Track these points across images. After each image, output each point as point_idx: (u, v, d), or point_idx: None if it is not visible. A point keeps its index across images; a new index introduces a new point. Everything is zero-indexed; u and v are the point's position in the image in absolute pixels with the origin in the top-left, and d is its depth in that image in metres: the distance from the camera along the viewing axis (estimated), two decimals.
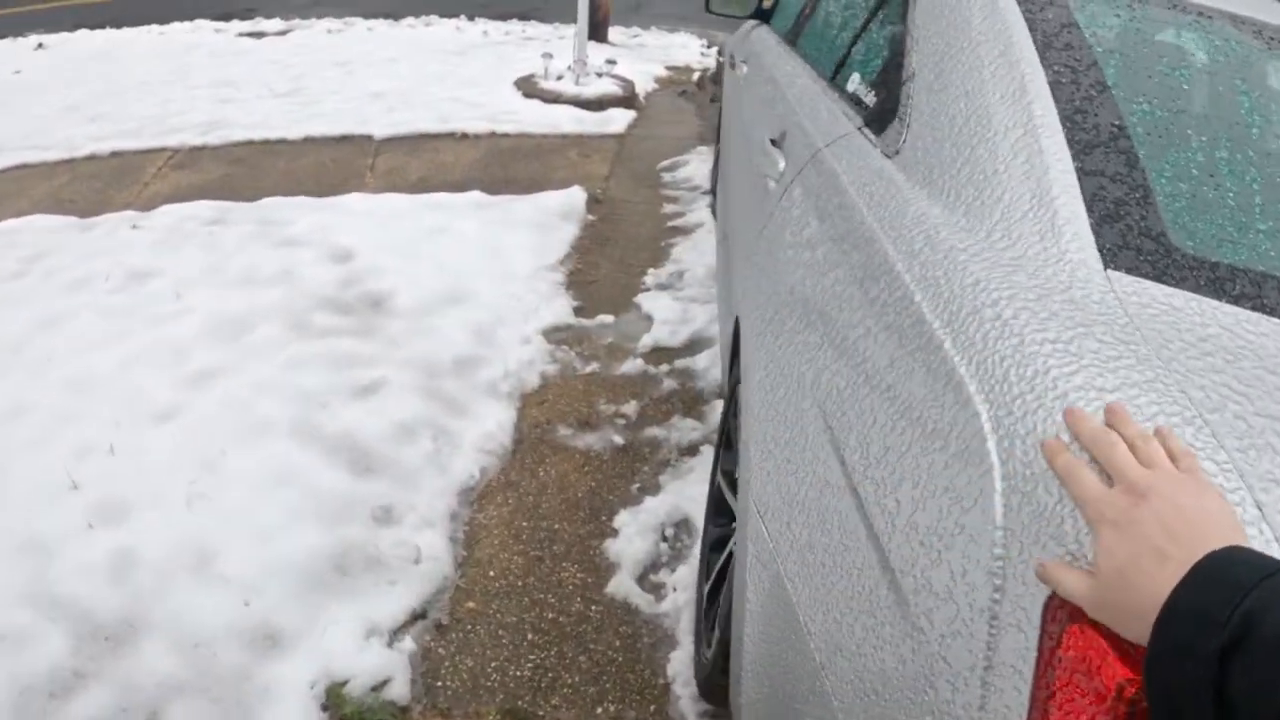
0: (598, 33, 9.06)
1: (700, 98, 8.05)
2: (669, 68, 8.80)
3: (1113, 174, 1.38)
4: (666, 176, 5.85)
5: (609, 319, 3.95)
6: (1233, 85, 1.69)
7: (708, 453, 3.16)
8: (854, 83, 2.09)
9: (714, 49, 10.18)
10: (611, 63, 7.64)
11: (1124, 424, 0.85)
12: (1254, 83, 1.72)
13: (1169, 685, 0.65)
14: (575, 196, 4.95)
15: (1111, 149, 1.42)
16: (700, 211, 5.23)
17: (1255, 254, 1.26)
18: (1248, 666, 0.60)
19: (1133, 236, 1.26)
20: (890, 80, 1.86)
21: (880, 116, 1.80)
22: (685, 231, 4.97)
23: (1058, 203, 1.31)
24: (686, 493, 2.97)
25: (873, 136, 1.77)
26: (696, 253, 4.60)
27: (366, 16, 10.47)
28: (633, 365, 3.64)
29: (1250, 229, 1.32)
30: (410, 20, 10.37)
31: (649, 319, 3.96)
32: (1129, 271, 1.20)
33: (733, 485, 2.23)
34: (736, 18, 4.09)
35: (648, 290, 4.23)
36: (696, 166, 6.01)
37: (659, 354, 3.74)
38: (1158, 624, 0.67)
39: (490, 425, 3.18)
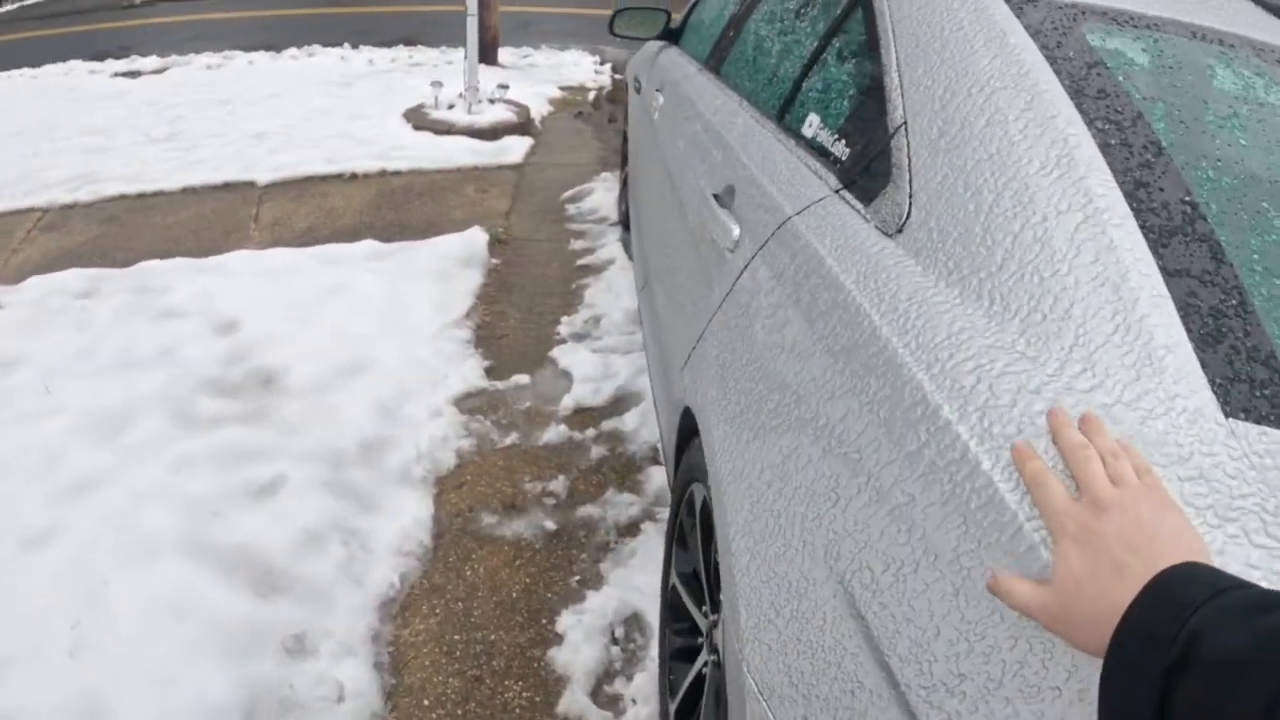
0: (487, 55, 8.60)
1: (598, 118, 7.66)
2: (563, 88, 8.38)
3: (1200, 273, 1.07)
4: (571, 208, 5.44)
5: (524, 379, 3.53)
6: None
7: (650, 531, 2.83)
8: (812, 127, 1.71)
9: (607, 65, 9.82)
10: (504, 87, 7.19)
11: (1098, 435, 0.86)
12: None
13: (1119, 702, 0.64)
14: (476, 239, 4.51)
15: (1191, 237, 1.11)
16: (610, 246, 4.83)
17: None
18: (1188, 688, 0.59)
19: (1243, 363, 0.98)
20: (869, 129, 1.48)
21: (864, 177, 1.42)
22: (596, 270, 4.56)
23: (1149, 321, 1.01)
24: (633, 583, 2.62)
25: (858, 205, 1.40)
26: (611, 294, 4.20)
27: (247, 49, 9.86)
28: (555, 432, 3.23)
29: None
30: (293, 51, 9.77)
31: (568, 376, 3.56)
32: (1254, 418, 0.92)
33: (692, 591, 1.92)
34: (643, 39, 3.70)
35: (563, 342, 3.82)
36: (601, 195, 5.61)
37: (583, 416, 3.34)
38: (1113, 640, 0.67)
39: (406, 520, 2.77)
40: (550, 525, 2.84)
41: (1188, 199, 1.14)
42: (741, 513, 1.35)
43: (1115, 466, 0.81)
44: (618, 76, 9.25)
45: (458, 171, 5.91)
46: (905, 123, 1.37)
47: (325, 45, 10.04)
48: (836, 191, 1.49)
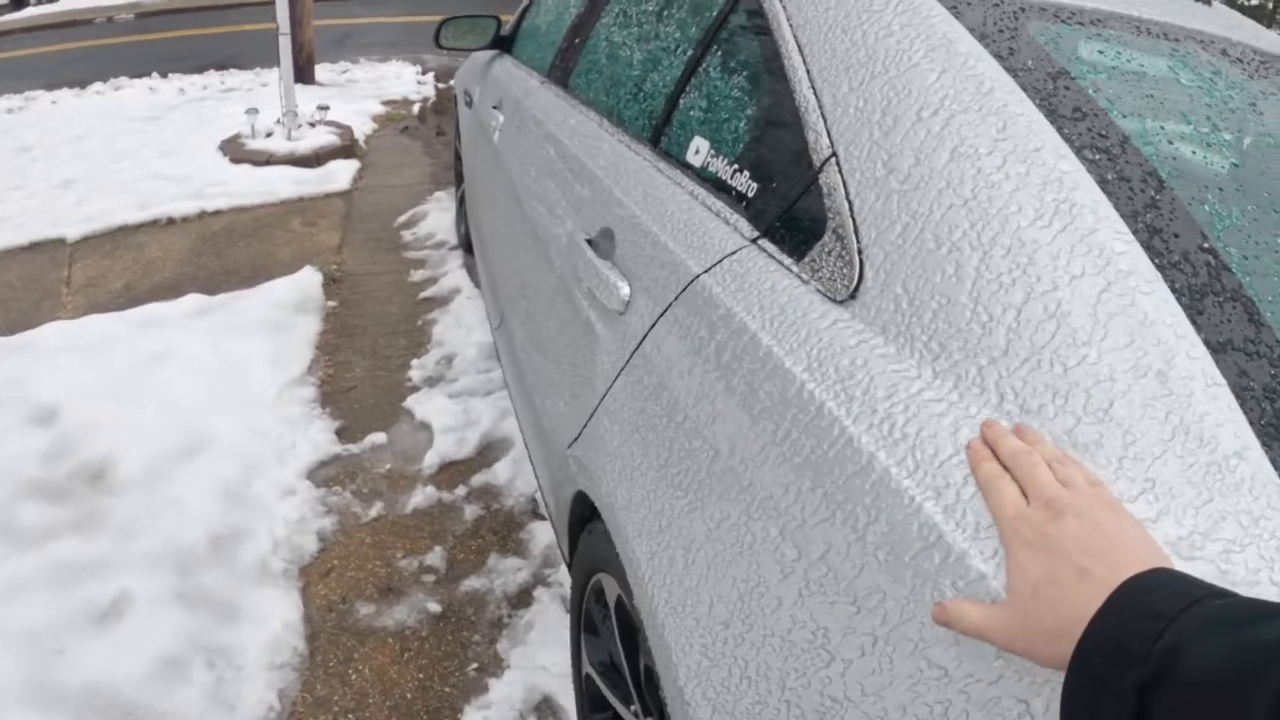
0: (304, 75, 8.01)
1: (424, 132, 7.21)
2: (386, 102, 7.88)
3: (1244, 343, 0.88)
4: (407, 235, 5.02)
5: (380, 438, 3.14)
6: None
7: (544, 598, 2.52)
8: (700, 155, 1.40)
9: (430, 74, 9.34)
10: (324, 108, 6.67)
11: (1039, 443, 0.81)
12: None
13: (1085, 718, 0.60)
14: (308, 281, 4.06)
15: (1223, 295, 0.92)
16: (454, 273, 4.44)
17: None
18: (1165, 706, 0.56)
19: None
20: (781, 160, 1.19)
21: (787, 224, 1.12)
22: (441, 302, 4.17)
23: (1210, 420, 0.81)
24: (537, 662, 2.31)
25: (784, 259, 1.09)
26: (461, 329, 3.83)
27: (50, 88, 8.99)
28: (423, 495, 2.88)
29: None
30: (98, 86, 8.96)
31: (427, 428, 3.20)
32: None
33: (613, 683, 1.67)
34: (472, 50, 3.32)
35: (416, 389, 3.44)
36: (437, 217, 5.19)
37: (450, 473, 2.99)
38: (1076, 653, 0.63)
39: (274, 626, 2.40)
40: (434, 606, 2.50)
41: (1206, 245, 0.90)
42: (684, 634, 1.05)
43: (1064, 472, 0.76)
44: (442, 85, 8.78)
45: (282, 205, 5.39)
46: (834, 154, 1.08)
47: (133, 76, 9.24)
48: (753, 241, 1.19)
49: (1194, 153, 1.04)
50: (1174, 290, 0.87)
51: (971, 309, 0.90)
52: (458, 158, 4.24)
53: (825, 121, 1.13)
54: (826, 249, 1.07)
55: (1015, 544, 0.73)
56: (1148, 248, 0.90)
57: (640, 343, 1.33)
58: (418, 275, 4.53)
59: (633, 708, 1.57)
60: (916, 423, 0.87)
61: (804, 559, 0.92)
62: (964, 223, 0.94)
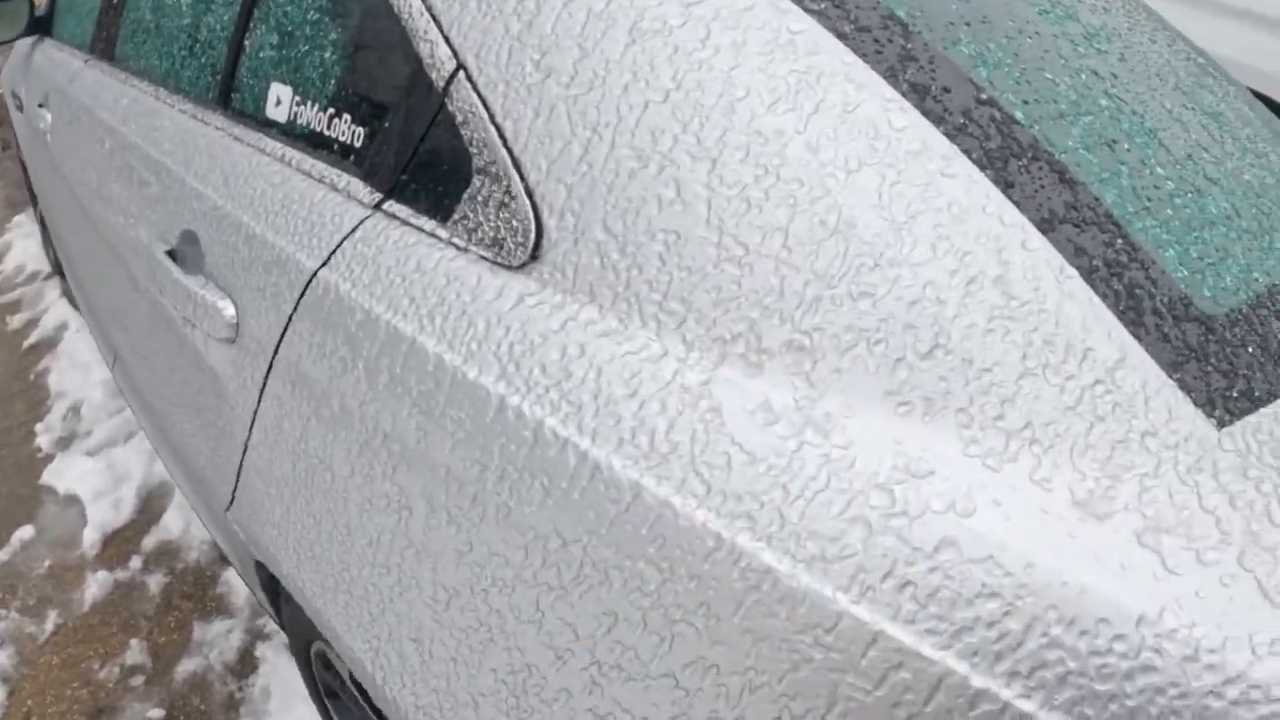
0: None
1: None
2: None
3: (1066, 211, 0.68)
4: None
5: (28, 532, 2.49)
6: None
7: (269, 655, 2.10)
8: (285, 105, 1.00)
9: None
10: None
11: None
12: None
13: None
14: None
15: (1026, 159, 0.71)
16: (56, 306, 3.65)
17: None
18: None
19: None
20: (386, 88, 0.81)
21: (420, 176, 0.75)
22: (50, 345, 3.41)
23: (1074, 326, 0.62)
24: None
25: (426, 223, 0.73)
26: (77, 369, 3.13)
27: None
28: (98, 583, 2.31)
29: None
30: None
31: (76, 501, 2.58)
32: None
33: None
34: (9, 41, 2.57)
35: (50, 458, 2.77)
36: (23, 246, 4.26)
37: (117, 544, 2.44)
38: None
39: None
40: (155, 712, 2.01)
41: (984, 96, 0.68)
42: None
43: None
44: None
45: None
46: (461, 66, 0.73)
47: None
48: (377, 207, 0.80)
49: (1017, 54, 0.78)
50: (975, 163, 0.60)
51: (716, 243, 0.58)
52: (25, 170, 3.42)
53: (439, 24, 0.77)
54: (479, 198, 0.72)
55: None
56: (927, 114, 0.62)
57: (267, 376, 0.92)
58: (16, 320, 3.67)
59: None
60: (679, 430, 0.55)
61: (576, 635, 0.60)
62: (672, 125, 0.62)
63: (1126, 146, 0.77)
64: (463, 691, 0.74)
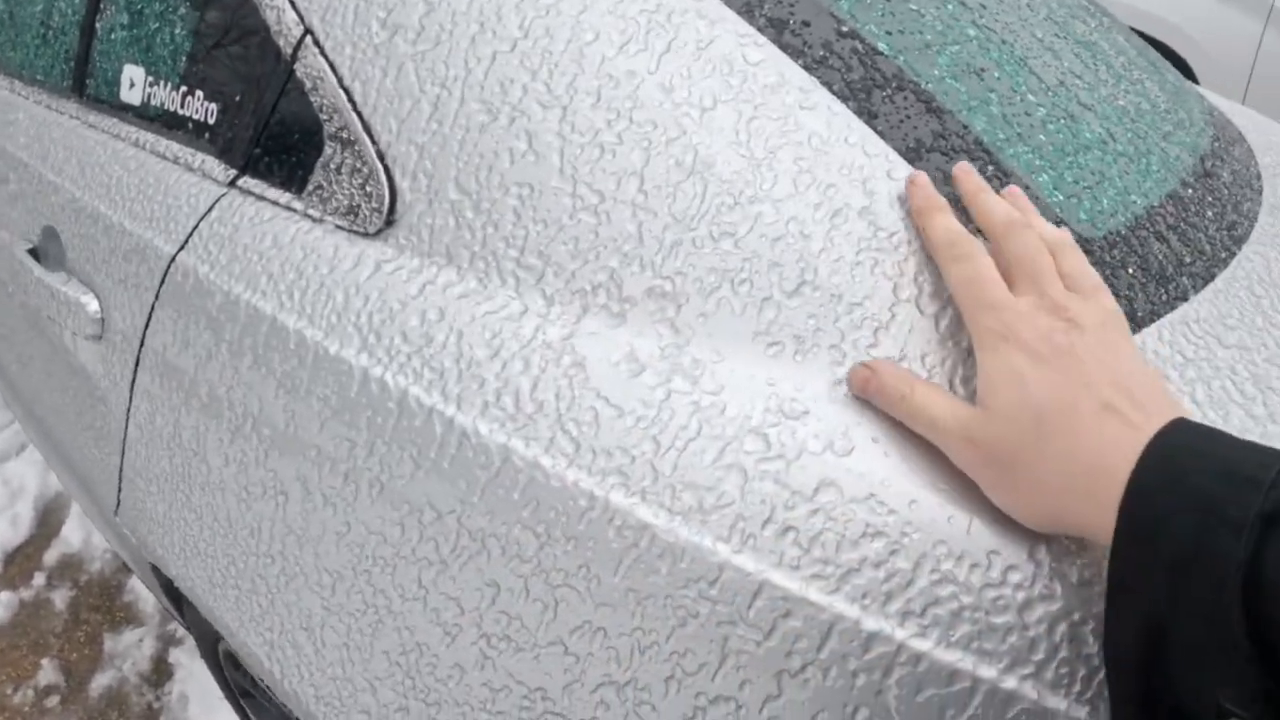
0: None
1: None
2: None
3: (934, 140, 0.67)
4: None
5: None
6: None
7: (182, 659, 2.04)
8: (139, 88, 0.96)
9: None
10: None
11: (1033, 216, 0.58)
12: None
13: (1187, 542, 0.41)
14: None
15: (891, 89, 0.69)
16: None
17: None
18: None
19: None
20: (244, 62, 0.76)
21: (272, 148, 0.72)
22: None
23: None
24: None
25: (280, 196, 0.69)
26: None
27: None
28: (3, 605, 2.25)
29: None
30: None
31: None
32: None
33: None
34: None
35: None
36: None
37: (19, 563, 2.35)
38: (1150, 475, 0.44)
39: None
40: None
41: (845, 29, 0.66)
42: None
43: (1071, 264, 0.54)
44: None
45: None
46: (309, 32, 0.69)
47: None
48: (232, 184, 0.76)
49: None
50: (836, 95, 0.58)
51: (571, 192, 0.56)
52: None
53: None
54: (333, 165, 0.68)
55: (1010, 348, 0.50)
56: (785, 48, 0.59)
57: (135, 370, 0.87)
58: None
59: None
60: (543, 388, 0.52)
61: (461, 609, 0.57)
62: (521, 75, 0.59)
63: (996, 75, 0.76)
64: (359, 677, 0.71)
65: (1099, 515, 0.45)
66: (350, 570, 0.67)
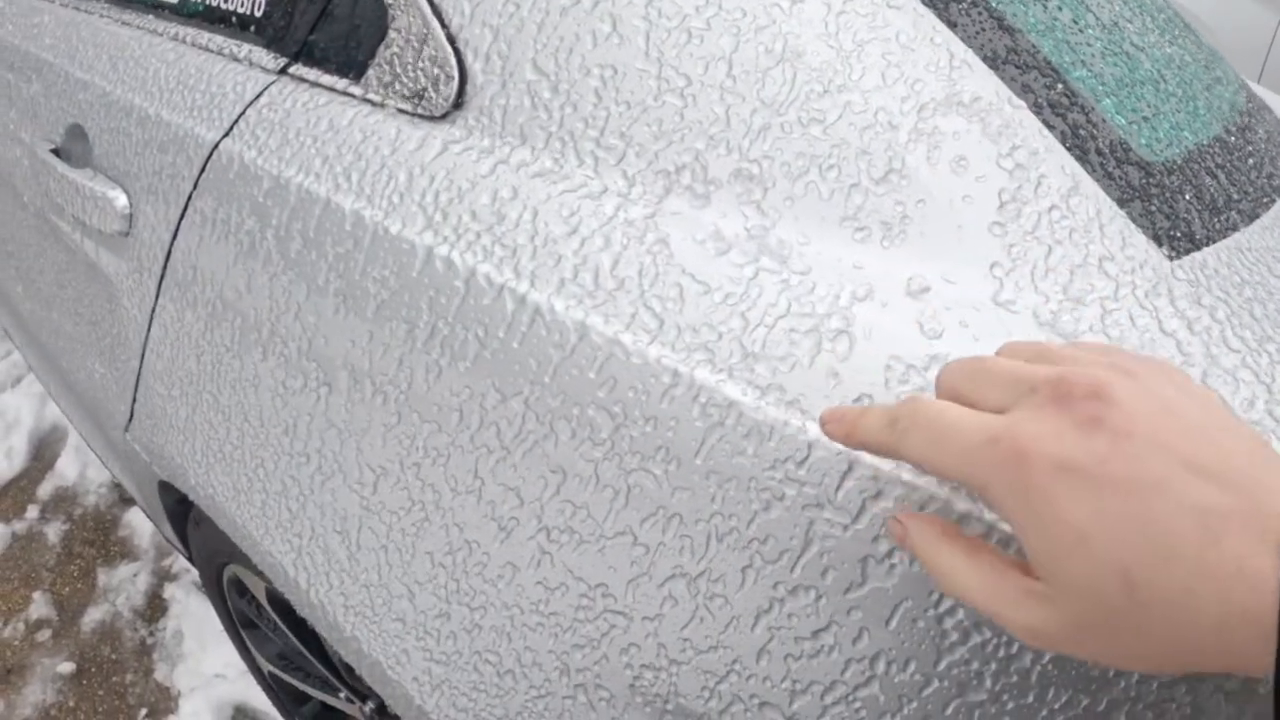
0: None
1: None
2: None
3: (1007, 54, 0.65)
4: None
5: None
6: None
7: (178, 595, 1.98)
8: None
9: None
10: None
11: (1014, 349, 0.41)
12: None
13: None
14: None
15: (966, 3, 0.65)
16: None
17: None
18: None
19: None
20: None
21: (329, 36, 0.68)
22: None
23: (1028, 155, 0.57)
24: (207, 670, 1.80)
25: (337, 82, 0.66)
26: None
27: None
28: None
29: None
30: None
31: None
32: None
33: (303, 672, 1.30)
34: None
35: None
36: None
37: (12, 495, 2.29)
38: None
39: None
40: (67, 666, 1.88)
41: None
42: (384, 638, 0.66)
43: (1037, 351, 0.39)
44: None
45: None
46: None
47: None
48: (283, 72, 0.72)
49: None
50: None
51: (656, 75, 0.53)
52: None
53: None
54: (397, 49, 0.64)
55: (1035, 486, 0.33)
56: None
57: (165, 266, 0.83)
58: None
59: (342, 695, 1.20)
60: (625, 264, 0.49)
61: (520, 500, 0.55)
62: None
63: (1058, 5, 0.74)
64: (396, 582, 0.68)
65: (1254, 661, 0.31)
66: (397, 464, 0.64)
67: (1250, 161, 0.81)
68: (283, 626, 1.19)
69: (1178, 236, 0.60)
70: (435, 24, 0.64)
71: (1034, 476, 0.33)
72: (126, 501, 2.21)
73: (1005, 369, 0.37)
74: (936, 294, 0.50)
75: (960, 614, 0.46)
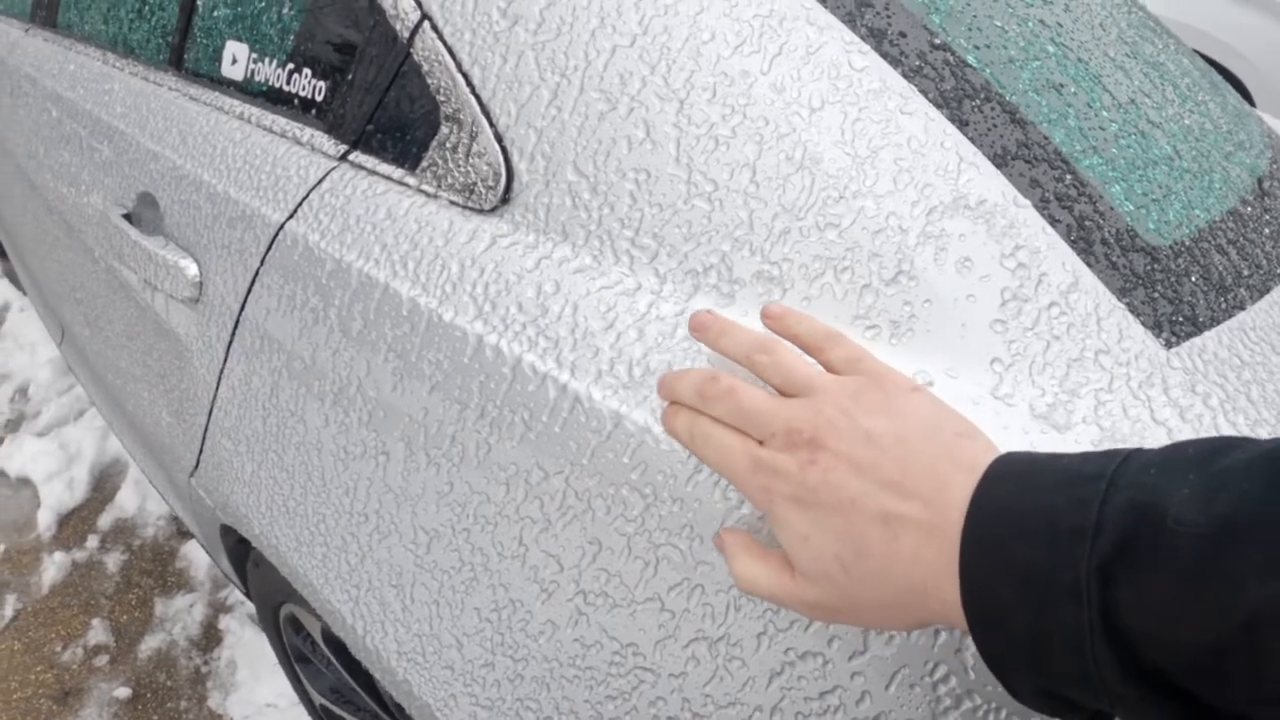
0: None
1: None
2: None
3: (1018, 149, 0.73)
4: None
5: None
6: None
7: (233, 626, 2.08)
8: (242, 64, 0.99)
9: None
10: None
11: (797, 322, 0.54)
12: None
13: (1029, 649, 0.39)
14: None
15: (979, 100, 0.73)
16: None
17: None
18: (1145, 579, 0.36)
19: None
20: (357, 42, 0.79)
21: (386, 126, 0.76)
22: None
23: (1029, 252, 0.63)
24: (259, 699, 1.89)
25: (394, 171, 0.73)
26: (23, 349, 3.03)
27: None
28: (56, 565, 2.27)
29: None
30: None
31: (28, 484, 2.52)
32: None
33: (353, 705, 1.38)
34: None
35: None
36: None
37: (74, 524, 2.39)
38: (976, 550, 0.41)
39: None
40: (123, 691, 1.98)
41: (938, 41, 0.70)
42: (435, 684, 0.74)
43: (779, 360, 0.51)
44: None
45: None
46: (426, 17, 0.72)
47: None
48: (343, 159, 0.80)
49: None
50: (932, 103, 0.62)
51: (686, 179, 0.59)
52: None
53: None
54: (449, 145, 0.72)
55: (777, 507, 0.48)
56: (885, 56, 0.63)
57: (234, 332, 0.91)
58: None
59: None
60: (656, 358, 0.56)
61: (560, 566, 0.61)
62: (639, 68, 0.63)
63: (1073, 90, 0.79)
64: (446, 633, 0.75)
65: (950, 616, 0.43)
66: (449, 529, 0.72)
67: (1266, 231, 0.86)
68: (336, 664, 1.26)
69: (1179, 321, 0.65)
70: (484, 122, 0.71)
71: (775, 505, 0.47)
72: (184, 535, 2.31)
73: (760, 411, 0.49)
74: (939, 388, 0.56)
75: (953, 681, 0.51)
